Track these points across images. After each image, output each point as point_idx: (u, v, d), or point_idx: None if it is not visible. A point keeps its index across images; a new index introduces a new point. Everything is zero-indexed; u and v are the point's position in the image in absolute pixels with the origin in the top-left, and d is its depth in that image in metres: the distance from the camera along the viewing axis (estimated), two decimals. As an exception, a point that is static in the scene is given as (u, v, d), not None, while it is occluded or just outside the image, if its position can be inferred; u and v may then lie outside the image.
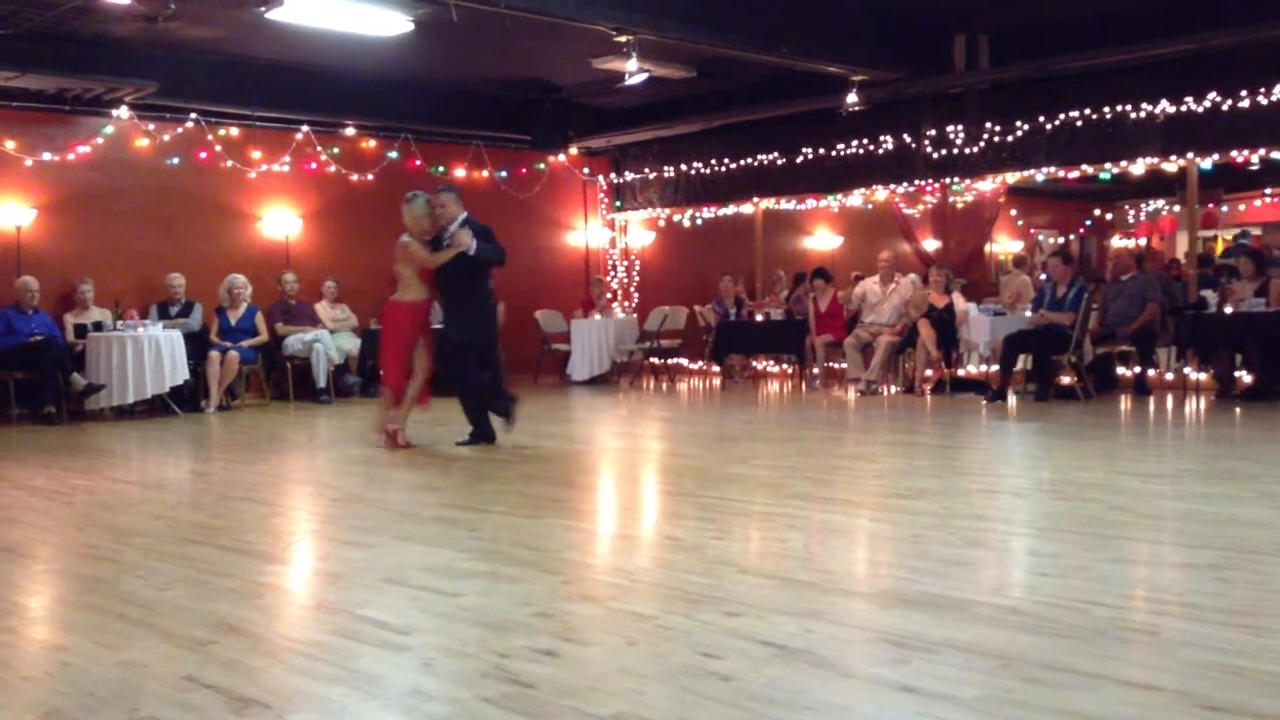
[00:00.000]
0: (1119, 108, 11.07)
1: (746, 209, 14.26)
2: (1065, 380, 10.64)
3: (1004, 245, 18.14)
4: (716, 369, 13.92)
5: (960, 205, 13.02)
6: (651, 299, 14.88)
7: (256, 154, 12.64)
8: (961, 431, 8.70)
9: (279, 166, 12.79)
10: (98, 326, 10.71)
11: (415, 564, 4.42)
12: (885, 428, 9.14)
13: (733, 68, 11.63)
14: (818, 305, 12.57)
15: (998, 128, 11.84)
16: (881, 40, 11.24)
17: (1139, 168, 11.24)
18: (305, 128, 12.93)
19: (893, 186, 12.80)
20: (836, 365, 12.63)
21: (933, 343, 11.18)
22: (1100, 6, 10.46)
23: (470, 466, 7.24)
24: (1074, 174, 11.79)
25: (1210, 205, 17.40)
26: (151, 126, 11.96)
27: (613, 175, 15.54)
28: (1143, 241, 18.46)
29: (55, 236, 11.41)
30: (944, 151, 12.22)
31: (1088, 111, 11.24)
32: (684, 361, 14.62)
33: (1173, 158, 10.96)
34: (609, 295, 15.00)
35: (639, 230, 15.62)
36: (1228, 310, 10.19)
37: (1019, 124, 11.69)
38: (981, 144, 11.97)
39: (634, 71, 10.35)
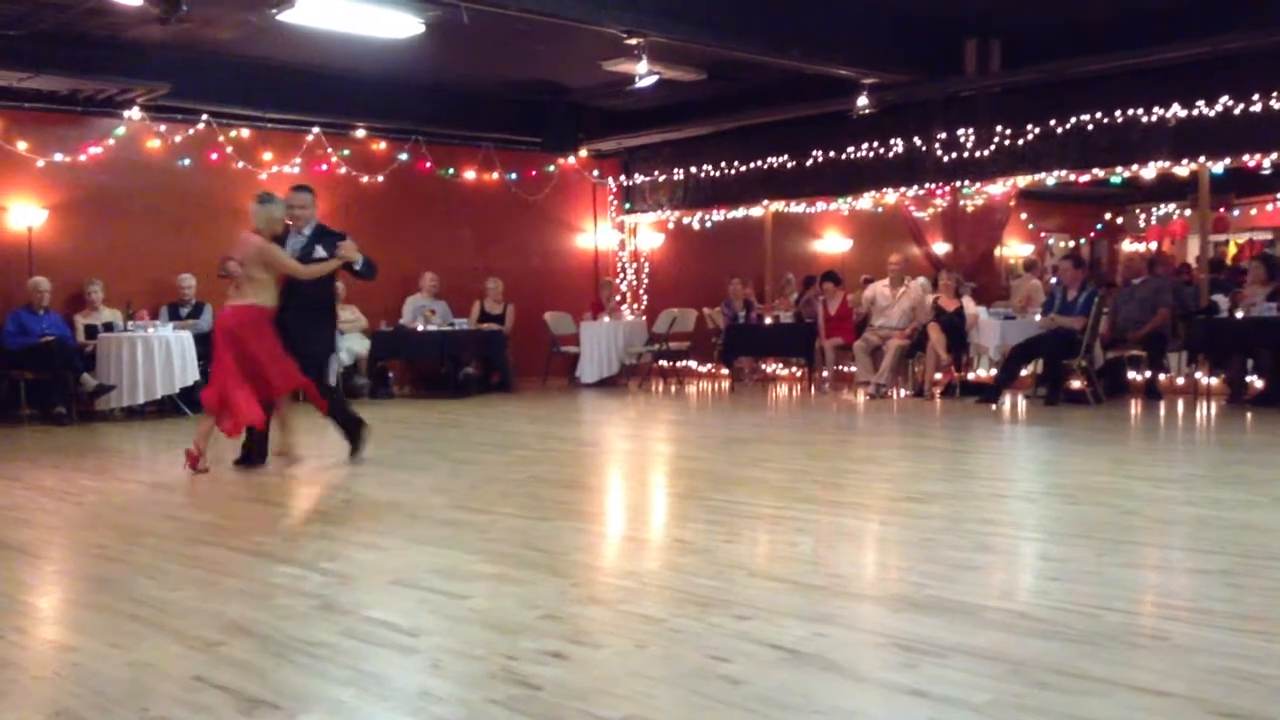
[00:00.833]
0: (1130, 111, 11.04)
1: (756, 212, 14.25)
2: (1075, 384, 10.61)
3: (1014, 249, 18.11)
4: (725, 372, 13.91)
5: (970, 209, 12.99)
6: (661, 301, 14.88)
7: (267, 155, 12.67)
8: (971, 435, 8.68)
9: (290, 168, 12.82)
10: (108, 327, 10.74)
11: (425, 565, 4.42)
12: (895, 431, 9.13)
13: (743, 70, 11.62)
14: (827, 308, 12.55)
15: (1009, 131, 11.82)
16: (893, 43, 11.22)
17: (1150, 171, 11.21)
18: (316, 129, 12.96)
19: (903, 189, 12.78)
20: (846, 368, 12.62)
21: (943, 346, 11.16)
22: (1112, 10, 10.43)
23: (479, 469, 7.24)
24: (1085, 178, 11.76)
25: (1221, 210, 17.33)
26: (163, 128, 11.99)
27: (622, 177, 15.54)
28: (1154, 246, 18.41)
29: (67, 237, 11.44)
30: (955, 155, 12.20)
31: (1099, 115, 11.21)
32: (693, 364, 14.62)
33: (1184, 161, 10.92)
34: (618, 297, 15.00)
35: (648, 232, 15.62)
36: (1239, 315, 10.15)
37: (1030, 127, 11.67)
38: (992, 147, 11.95)
39: (644, 74, 10.35)
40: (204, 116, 12.15)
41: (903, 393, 11.67)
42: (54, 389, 10.26)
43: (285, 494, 6.57)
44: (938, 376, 11.53)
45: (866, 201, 13.36)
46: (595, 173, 15.37)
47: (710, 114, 13.40)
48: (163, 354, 10.48)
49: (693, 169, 14.57)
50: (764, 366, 14.21)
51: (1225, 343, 10.33)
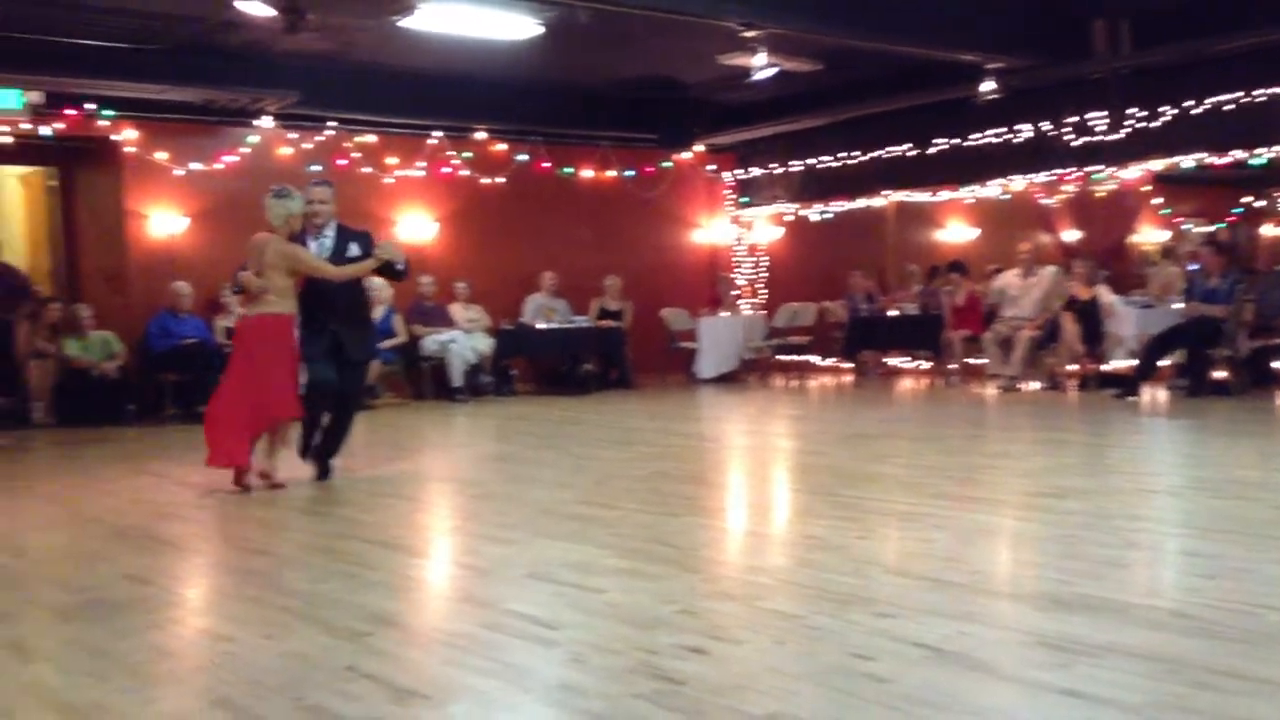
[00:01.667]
0: (1271, 90, 10.54)
1: (877, 202, 14.02)
2: (1219, 375, 10.18)
3: (1147, 235, 17.45)
4: (848, 366, 13.72)
5: (1102, 194, 12.56)
6: (780, 295, 14.76)
7: (392, 160, 12.96)
8: (1109, 428, 8.39)
9: (414, 171, 13.08)
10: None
11: (557, 560, 4.46)
12: (1028, 425, 8.88)
13: (862, 59, 11.44)
14: (954, 299, 12.28)
15: (1142, 113, 11.39)
16: (1018, 26, 10.91)
17: (1294, 152, 10.68)
18: (438, 133, 13.20)
19: (1031, 176, 12.42)
20: (974, 361, 12.33)
21: (1077, 337, 10.82)
22: (1249, -16, 9.97)
23: (602, 466, 7.28)
24: (1224, 160, 11.26)
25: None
26: (293, 135, 12.36)
27: (738, 171, 15.46)
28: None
29: (206, 243, 11.87)
30: (1085, 139, 11.81)
31: (1239, 94, 10.72)
32: (814, 359, 14.46)
33: (1331, 140, 10.38)
34: (736, 292, 14.93)
35: (765, 226, 15.51)
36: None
37: (1165, 109, 11.22)
38: (1125, 131, 11.53)
39: (762, 66, 10.26)
40: (331, 123, 12.48)
41: (1035, 385, 11.35)
42: (196, 389, 10.65)
43: (417, 489, 6.70)
44: (1072, 368, 11.18)
45: (992, 189, 13.03)
46: (711, 167, 15.33)
47: (828, 104, 13.22)
48: (296, 354, 10.80)
49: (810, 160, 14.41)
50: (888, 360, 13.98)
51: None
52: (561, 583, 4.09)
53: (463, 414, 11.05)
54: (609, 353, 13.29)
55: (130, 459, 8.13)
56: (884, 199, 13.95)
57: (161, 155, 11.60)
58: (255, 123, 12.01)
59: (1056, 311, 11.13)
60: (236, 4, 8.66)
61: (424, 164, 13.16)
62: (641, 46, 11.31)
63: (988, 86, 11.38)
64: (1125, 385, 10.11)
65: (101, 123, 11.19)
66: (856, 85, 12.61)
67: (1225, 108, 10.84)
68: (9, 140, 10.98)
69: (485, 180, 13.55)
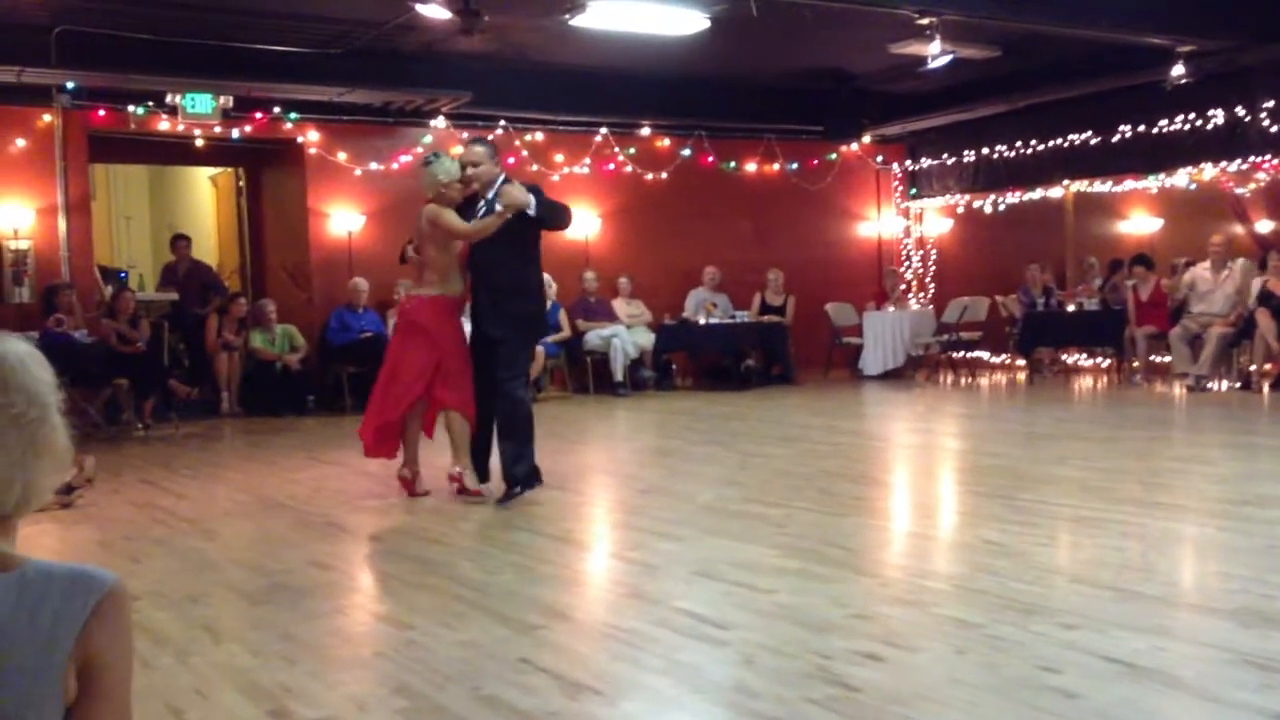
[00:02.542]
0: None
1: (1055, 193, 13.47)
2: None
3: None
4: (1022, 363, 13.24)
5: (1302, 182, 11.75)
6: (949, 289, 14.33)
7: (559, 157, 13.13)
8: (1310, 432, 7.86)
9: (580, 168, 13.23)
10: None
11: (725, 558, 4.42)
12: (1220, 428, 8.38)
13: (1041, 45, 10.99)
14: (1138, 294, 11.69)
15: (1348, 95, 10.61)
16: (1212, 7, 10.30)
17: None
18: (604, 130, 13.31)
19: (1223, 164, 11.72)
20: (1159, 359, 11.72)
21: (1273, 334, 10.16)
22: None
23: (767, 463, 7.19)
24: None
25: None
26: (465, 134, 12.64)
27: (908, 162, 15.09)
28: None
29: (381, 240, 12.26)
30: (1284, 124, 11.07)
31: None
32: (985, 355, 14.01)
33: None
34: (903, 286, 14.59)
35: (935, 218, 15.09)
36: None
37: (1375, 90, 10.43)
38: (1329, 114, 10.76)
39: (937, 54, 9.96)
40: (501, 122, 12.73)
41: (1226, 385, 10.72)
42: (371, 382, 11.02)
43: (582, 483, 6.76)
44: (1267, 367, 10.50)
45: (1180, 178, 12.35)
46: (879, 159, 15.01)
47: (1004, 92, 12.76)
48: (467, 348, 11.07)
49: (984, 150, 13.95)
50: (1065, 357, 13.42)
51: None
52: (730, 581, 4.05)
53: (624, 408, 11.12)
54: (771, 348, 13.17)
55: (311, 448, 8.47)
56: (1062, 189, 13.39)
57: (341, 155, 12.04)
58: (430, 123, 12.34)
59: (1251, 307, 10.47)
60: (416, 7, 8.90)
61: (589, 160, 13.29)
62: (809, 38, 11.13)
63: (1178, 71, 10.78)
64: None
65: (286, 125, 11.68)
66: (1035, 71, 12.12)
67: None
68: (201, 142, 11.60)
69: (649, 176, 13.60)
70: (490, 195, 5.90)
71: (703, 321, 12.80)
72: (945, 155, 14.53)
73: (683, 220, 13.64)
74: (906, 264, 15.17)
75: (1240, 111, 11.38)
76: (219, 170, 13.94)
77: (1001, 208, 13.98)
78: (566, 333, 12.19)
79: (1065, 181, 13.23)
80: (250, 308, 11.43)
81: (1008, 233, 14.00)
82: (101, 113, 10.85)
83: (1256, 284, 10.64)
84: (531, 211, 5.70)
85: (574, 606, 3.80)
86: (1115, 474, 6.21)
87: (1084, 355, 13.26)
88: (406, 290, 6.23)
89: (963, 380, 12.89)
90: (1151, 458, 6.90)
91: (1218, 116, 11.54)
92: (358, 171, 12.11)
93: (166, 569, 4.58)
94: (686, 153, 13.72)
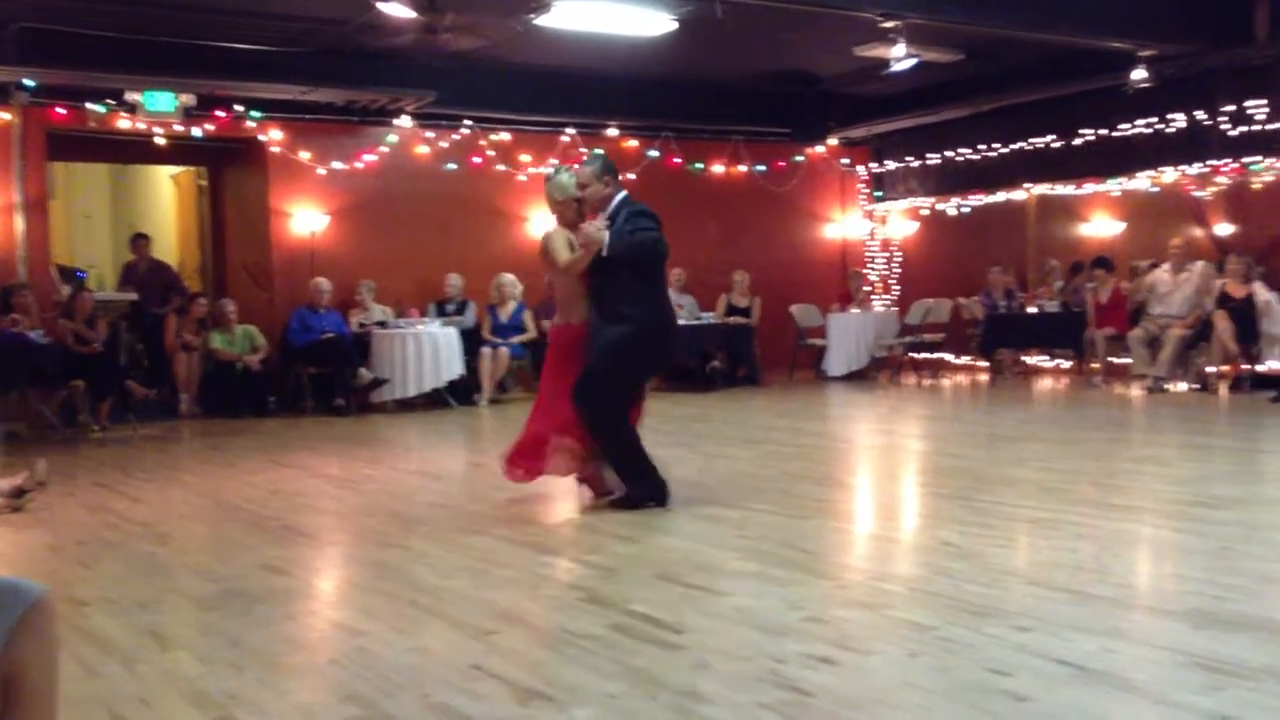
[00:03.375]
0: None
1: (1017, 195, 13.57)
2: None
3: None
4: (984, 364, 13.32)
5: (1259, 187, 11.90)
6: (913, 291, 14.41)
7: (525, 157, 13.09)
8: (1264, 434, 7.95)
9: (546, 169, 13.18)
10: (379, 325, 11.36)
11: (684, 561, 4.41)
12: (1177, 429, 8.47)
13: (1004, 48, 11.07)
14: (1098, 296, 11.80)
15: (1305, 100, 10.75)
16: (1172, 11, 10.40)
17: None
18: (570, 130, 13.29)
19: (1183, 168, 11.85)
20: (1119, 360, 11.83)
21: (1230, 336, 10.28)
22: None
23: (731, 464, 7.20)
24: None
25: None
26: (430, 134, 12.59)
27: (873, 164, 15.16)
28: None
29: (344, 240, 12.19)
30: (1243, 129, 11.20)
31: None
32: (948, 357, 14.09)
33: None
34: (867, 288, 14.65)
35: (900, 220, 15.17)
36: None
37: (1330, 95, 10.57)
38: (1286, 119, 10.89)
39: (901, 57, 10.00)
40: (466, 122, 12.67)
41: (1184, 387, 10.83)
42: (334, 382, 10.97)
43: (543, 484, 6.72)
44: (1224, 369, 10.63)
45: (1141, 182, 12.47)
46: (845, 161, 15.07)
47: (968, 95, 12.84)
48: (431, 350, 11.03)
49: (948, 153, 14.04)
50: (1026, 359, 13.53)
51: None
52: (688, 584, 4.04)
53: (591, 409, 11.07)
54: (737, 349, 13.18)
55: (270, 450, 8.39)
56: (1025, 192, 13.50)
57: (304, 155, 11.95)
58: (394, 122, 12.26)
59: (1208, 309, 10.59)
60: (378, 5, 8.84)
61: (556, 161, 13.26)
62: (776, 40, 11.16)
63: (1139, 75, 10.88)
64: (1284, 388, 9.57)
65: (249, 124, 11.58)
66: (999, 75, 12.21)
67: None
68: (162, 141, 11.47)
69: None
70: (604, 217, 5.56)
71: (668, 323, 12.78)
72: (910, 158, 14.61)
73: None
74: (871, 266, 15.23)
75: (1200, 115, 11.51)
76: (180, 169, 13.81)
77: (965, 210, 14.08)
78: (532, 334, 12.15)
79: (1027, 184, 13.34)
80: (210, 308, 11.32)
81: (971, 235, 14.10)
82: (61, 110, 10.72)
83: (1216, 286, 10.76)
84: (604, 252, 5.43)
85: (529, 611, 3.77)
86: (1073, 475, 6.26)
87: (1045, 357, 13.37)
88: None
89: (925, 381, 12.96)
90: (1109, 459, 6.96)
91: (1178, 120, 11.67)
92: (321, 171, 12.02)
93: (117, 574, 4.52)
94: (653, 154, 13.71)
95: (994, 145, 13.46)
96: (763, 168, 14.36)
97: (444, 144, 12.60)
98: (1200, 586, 3.87)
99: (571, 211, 5.68)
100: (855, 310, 13.78)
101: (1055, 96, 12.25)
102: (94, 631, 3.62)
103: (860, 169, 15.18)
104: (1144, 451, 7.42)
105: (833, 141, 14.68)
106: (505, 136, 12.95)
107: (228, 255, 12.75)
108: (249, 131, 11.67)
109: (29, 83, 10.26)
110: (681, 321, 12.79)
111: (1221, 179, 11.94)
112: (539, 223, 13.21)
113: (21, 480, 6.00)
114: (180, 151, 12.35)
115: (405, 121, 12.26)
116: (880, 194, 15.13)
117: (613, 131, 13.52)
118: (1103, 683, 2.92)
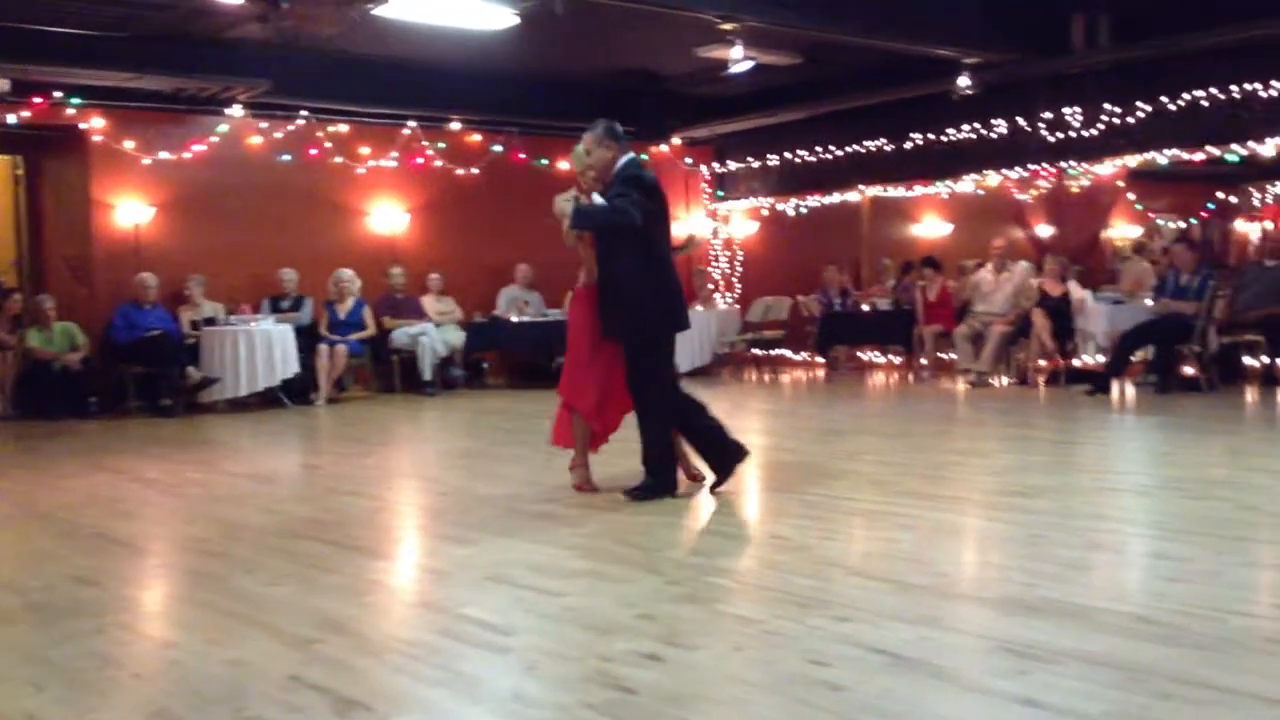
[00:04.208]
0: (1247, 86, 10.54)
1: (852, 197, 13.98)
2: (1188, 371, 10.19)
3: (1121, 230, 17.48)
4: (821, 360, 13.69)
5: (1076, 190, 12.56)
6: (754, 289, 14.70)
7: (365, 150, 12.82)
8: (1078, 426, 8.38)
9: (386, 162, 12.95)
10: (210, 321, 10.95)
11: (518, 562, 4.38)
12: (998, 422, 8.86)
13: (840, 53, 11.39)
14: (926, 294, 12.26)
15: (1118, 109, 11.38)
16: (995, 21, 10.87)
17: (1269, 149, 10.69)
18: (412, 123, 13.07)
19: (1005, 172, 12.41)
20: (946, 356, 12.32)
21: (1048, 333, 10.82)
22: (1227, -20, 9.96)
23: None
24: (1199, 156, 11.26)
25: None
26: (264, 124, 12.20)
27: (715, 165, 15.39)
28: (1269, 225, 17.61)
29: (172, 234, 11.71)
30: (1060, 135, 11.79)
31: (1214, 91, 10.72)
32: (788, 353, 14.42)
33: (1306, 137, 10.39)
34: (711, 286, 14.87)
35: (742, 220, 15.44)
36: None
37: (1140, 105, 11.22)
38: (1100, 126, 11.52)
39: (739, 60, 10.18)
40: (303, 113, 12.33)
41: (1005, 381, 11.35)
42: (160, 382, 10.53)
43: (382, 487, 6.61)
44: (1042, 364, 11.18)
45: (967, 185, 13.01)
46: (688, 160, 15.25)
47: (806, 98, 13.17)
48: (264, 347, 10.68)
49: (787, 155, 14.36)
50: (861, 355, 13.96)
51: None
52: (521, 586, 4.01)
53: (432, 408, 10.94)
54: (583, 346, 13.18)
55: (89, 453, 8.00)
56: (859, 194, 13.91)
57: (129, 144, 11.43)
58: (226, 112, 11.84)
59: (1027, 307, 11.12)
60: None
61: (397, 154, 13.03)
62: (619, 38, 11.21)
63: (964, 82, 11.34)
64: (1095, 381, 10.11)
65: (69, 111, 11.01)
66: (834, 80, 12.56)
67: (1201, 104, 10.85)
68: (-27, 127, 10.80)
69: (459, 171, 13.43)
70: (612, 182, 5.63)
71: (514, 319, 12.73)
72: (750, 159, 14.88)
73: (495, 217, 13.52)
74: (714, 264, 15.46)
75: (1021, 121, 12.06)
76: (-6, 157, 13.01)
77: (803, 211, 14.43)
78: (371, 330, 11.92)
79: (861, 186, 13.76)
80: (27, 304, 10.72)
81: (809, 235, 14.45)
82: None
83: (1034, 286, 11.31)
84: (565, 224, 5.66)
85: (355, 618, 3.68)
86: (899, 468, 6.48)
87: (877, 353, 13.82)
88: None
89: (766, 377, 13.23)
90: (933, 451, 7.23)
91: (1000, 126, 12.21)
92: (147, 161, 11.52)
93: (-90, 589, 4.23)
94: (498, 149, 13.60)
95: (830, 148, 13.83)
96: (607, 165, 14.39)
97: (278, 134, 12.23)
98: (1010, 573, 4.05)
99: (586, 179, 5.78)
100: (699, 308, 13.96)
101: (887, 101, 12.67)
102: (-122, 653, 3.38)
103: (703, 169, 15.38)
104: (967, 444, 7.73)
105: (676, 141, 14.84)
106: (344, 128, 12.66)
107: (46, 249, 12.07)
108: (69, 119, 11.10)
109: None
110: (527, 318, 12.78)
111: (1041, 182, 12.56)
112: (379, 217, 12.97)
113: None
114: (-6, 138, 11.65)
115: (237, 111, 11.86)
116: (722, 194, 15.37)
117: (455, 125, 13.36)
118: (916, 670, 3.02)
